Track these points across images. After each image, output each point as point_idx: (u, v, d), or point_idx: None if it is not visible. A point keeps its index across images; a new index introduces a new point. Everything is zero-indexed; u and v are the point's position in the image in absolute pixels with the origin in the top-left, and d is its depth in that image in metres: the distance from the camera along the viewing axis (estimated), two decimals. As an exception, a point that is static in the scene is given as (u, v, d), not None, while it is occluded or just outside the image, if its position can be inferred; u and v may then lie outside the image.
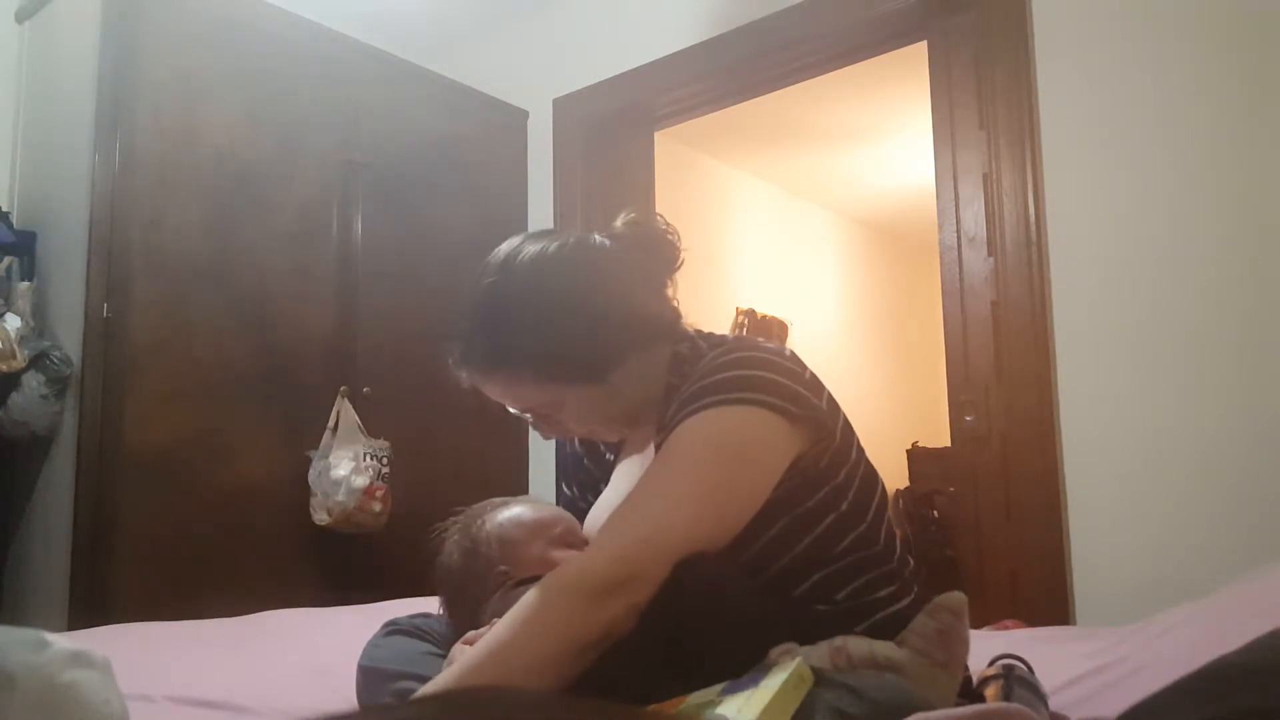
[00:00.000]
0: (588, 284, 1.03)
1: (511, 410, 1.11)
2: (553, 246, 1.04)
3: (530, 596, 0.86)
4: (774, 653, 0.81)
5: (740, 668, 0.79)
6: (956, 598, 0.88)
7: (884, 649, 0.80)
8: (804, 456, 0.96)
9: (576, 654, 0.84)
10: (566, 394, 1.04)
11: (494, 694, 0.41)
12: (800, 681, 0.74)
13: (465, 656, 0.87)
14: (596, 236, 1.09)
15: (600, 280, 1.04)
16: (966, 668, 0.97)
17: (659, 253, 1.10)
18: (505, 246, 1.07)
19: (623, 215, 1.11)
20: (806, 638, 0.83)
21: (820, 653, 0.80)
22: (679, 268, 1.11)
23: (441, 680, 0.87)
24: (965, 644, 0.90)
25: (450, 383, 1.09)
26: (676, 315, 1.11)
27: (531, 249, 1.04)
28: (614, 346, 1.03)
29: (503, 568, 1.09)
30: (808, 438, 0.96)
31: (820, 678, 0.75)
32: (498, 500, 1.20)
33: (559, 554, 1.09)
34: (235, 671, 1.38)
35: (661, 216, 1.12)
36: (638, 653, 0.85)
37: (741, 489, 0.92)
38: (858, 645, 0.80)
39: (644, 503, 0.91)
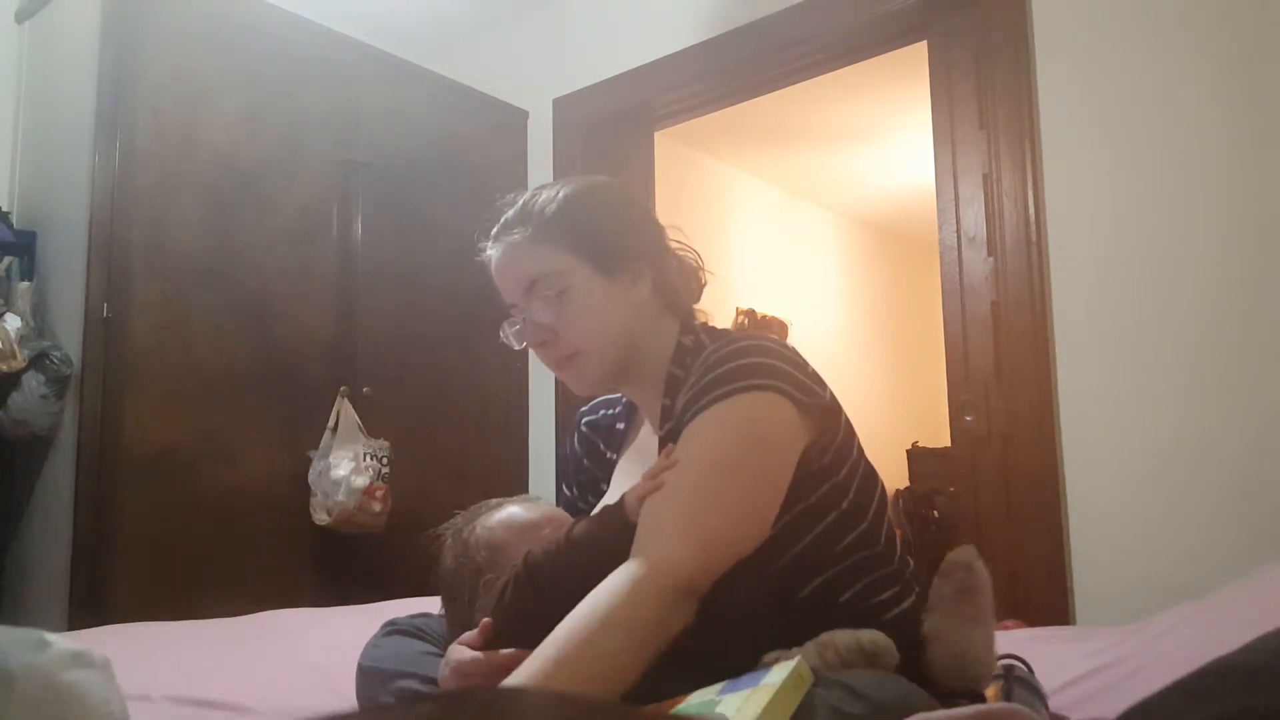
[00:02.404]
0: (629, 196, 1.15)
1: (505, 332, 1.10)
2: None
3: (617, 594, 0.83)
4: (767, 658, 0.81)
5: (740, 667, 0.79)
6: (965, 550, 0.89)
7: (868, 635, 0.80)
8: (809, 449, 0.96)
9: (659, 650, 0.83)
10: (577, 273, 1.05)
11: (494, 694, 0.41)
12: (800, 681, 0.74)
13: (547, 648, 0.82)
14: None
15: (639, 203, 1.15)
16: None
17: (692, 267, 1.15)
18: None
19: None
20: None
21: (808, 652, 0.80)
22: (699, 295, 1.15)
23: (528, 672, 0.81)
24: (988, 594, 0.90)
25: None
26: (690, 310, 1.13)
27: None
28: (633, 250, 1.08)
29: (489, 576, 1.08)
30: (815, 427, 0.96)
31: (819, 678, 0.75)
32: (493, 502, 1.20)
33: None
34: (235, 671, 1.38)
35: (698, 255, 1.16)
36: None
37: (778, 478, 0.93)
38: (843, 636, 0.80)
39: (707, 498, 0.89)
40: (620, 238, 1.08)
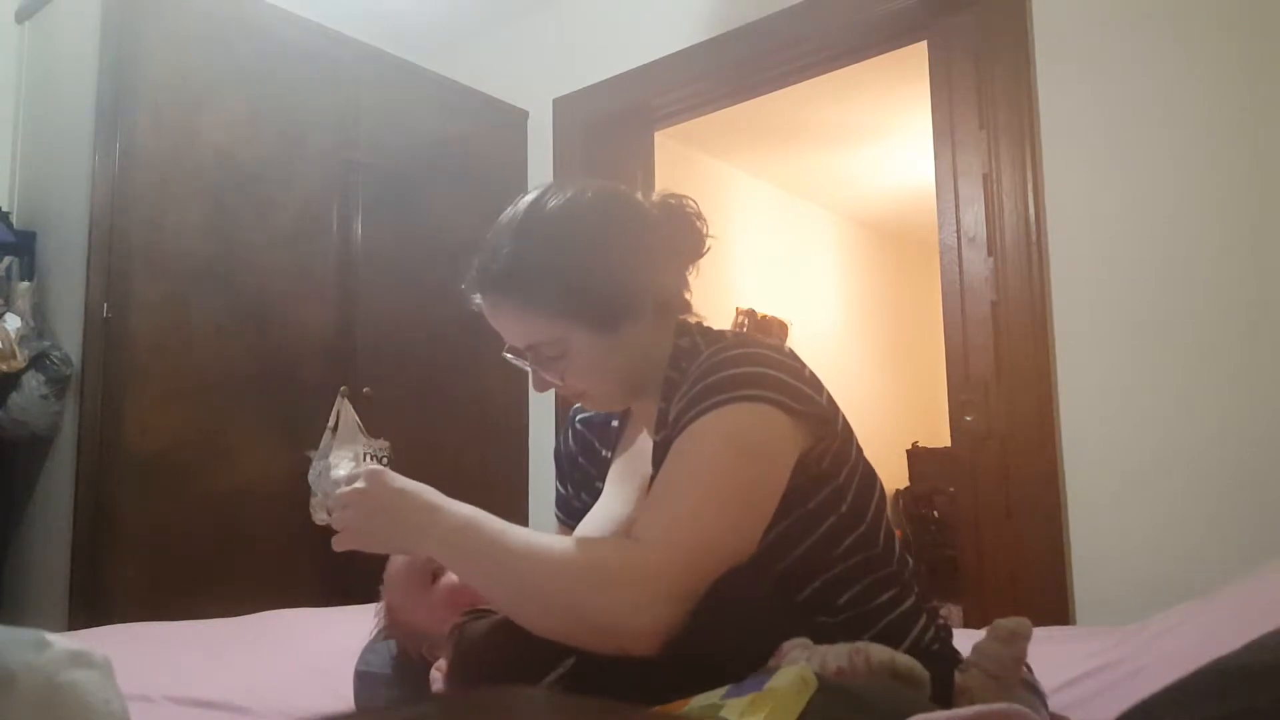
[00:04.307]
0: (621, 226, 1.04)
1: (509, 356, 1.09)
2: (596, 185, 1.07)
3: (585, 559, 0.85)
4: (786, 646, 0.81)
5: (744, 671, 0.79)
6: (1026, 625, 0.89)
7: (905, 660, 0.80)
8: (806, 455, 0.95)
9: (585, 635, 0.84)
10: (574, 335, 1.01)
11: (495, 695, 0.41)
12: (804, 686, 0.73)
13: (501, 547, 0.89)
14: (639, 194, 1.10)
15: (633, 228, 1.05)
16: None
17: (689, 233, 1.10)
18: (547, 183, 1.10)
19: (660, 192, 1.11)
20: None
21: (839, 652, 0.80)
22: (705, 252, 1.10)
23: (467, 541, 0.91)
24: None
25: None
26: (687, 306, 1.11)
27: (574, 185, 1.06)
28: (632, 297, 1.02)
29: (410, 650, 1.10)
30: (810, 435, 0.95)
31: (823, 683, 0.75)
32: None
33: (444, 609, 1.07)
34: (235, 671, 1.38)
35: (694, 201, 1.11)
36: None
37: (768, 490, 0.92)
38: (879, 651, 0.80)
39: (692, 508, 0.89)
40: (612, 290, 1.01)
